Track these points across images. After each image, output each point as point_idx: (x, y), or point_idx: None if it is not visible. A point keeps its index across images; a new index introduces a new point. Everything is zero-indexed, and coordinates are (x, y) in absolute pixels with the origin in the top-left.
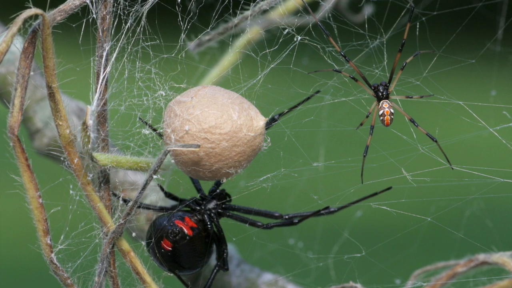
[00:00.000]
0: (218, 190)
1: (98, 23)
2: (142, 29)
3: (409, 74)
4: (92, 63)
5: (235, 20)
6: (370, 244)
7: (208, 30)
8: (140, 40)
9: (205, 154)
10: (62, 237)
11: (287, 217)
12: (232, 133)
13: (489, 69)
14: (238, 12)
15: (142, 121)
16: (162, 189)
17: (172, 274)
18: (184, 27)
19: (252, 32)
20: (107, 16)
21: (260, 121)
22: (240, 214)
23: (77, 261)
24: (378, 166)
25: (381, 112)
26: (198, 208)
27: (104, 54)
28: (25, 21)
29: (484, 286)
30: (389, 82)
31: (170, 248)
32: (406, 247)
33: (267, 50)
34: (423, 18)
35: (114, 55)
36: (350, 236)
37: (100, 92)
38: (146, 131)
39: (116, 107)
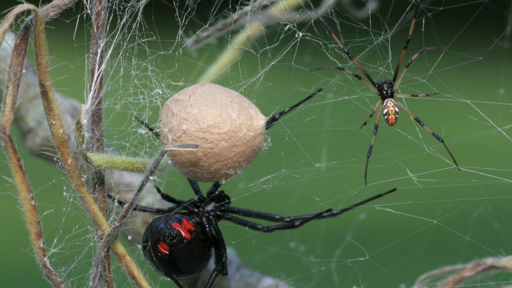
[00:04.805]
0: (216, 192)
1: (92, 19)
2: (138, 25)
3: (415, 71)
4: (86, 60)
5: (234, 16)
6: (374, 248)
7: (207, 26)
8: (136, 37)
9: (203, 155)
10: (55, 240)
11: (288, 219)
12: (231, 133)
13: (497, 67)
14: (238, 7)
15: (138, 120)
16: (159, 190)
17: (169, 279)
18: (181, 23)
19: (252, 28)
20: (102, 12)
21: (260, 120)
22: (239, 216)
23: (71, 265)
24: (383, 167)
25: (385, 111)
26: (196, 210)
27: (99, 51)
28: (17, 17)
29: None
30: (394, 80)
31: (167, 252)
32: (411, 250)
33: (268, 47)
34: (429, 14)
35: (109, 52)
36: (353, 239)
37: (95, 90)
38: (142, 130)
39: (111, 106)
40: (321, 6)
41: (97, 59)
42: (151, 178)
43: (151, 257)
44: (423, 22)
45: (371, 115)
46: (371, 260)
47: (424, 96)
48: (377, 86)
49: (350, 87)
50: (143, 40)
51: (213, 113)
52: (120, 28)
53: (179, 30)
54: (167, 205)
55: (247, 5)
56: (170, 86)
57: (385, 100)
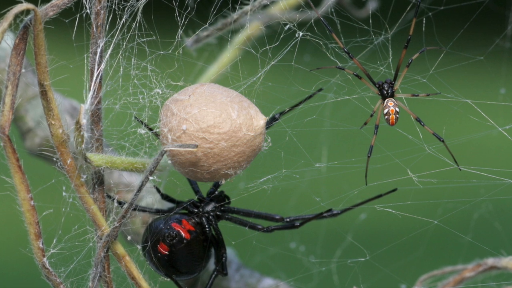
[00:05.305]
0: (216, 192)
1: (92, 19)
2: (137, 24)
3: (415, 71)
4: (85, 60)
5: (234, 15)
6: (374, 248)
7: (207, 25)
8: (136, 36)
9: (203, 155)
10: (54, 240)
11: (288, 220)
12: (231, 133)
13: (498, 66)
14: (238, 7)
15: (137, 120)
16: (158, 191)
17: (169, 279)
18: (181, 22)
19: (252, 27)
20: (101, 11)
21: (260, 120)
22: (239, 216)
23: (70, 265)
24: (383, 167)
25: (386, 111)
26: (196, 210)
27: (98, 50)
28: (16, 16)
29: None
30: (394, 79)
31: (166, 252)
32: (412, 251)
33: (268, 47)
34: (430, 13)
35: (109, 51)
36: (353, 240)
37: (94, 90)
38: (142, 130)
39: (110, 106)
40: (321, 5)
41: (97, 59)
42: (150, 178)
43: (150, 257)
44: (424, 21)
45: (371, 115)
46: (371, 260)
47: (425, 96)
48: (377, 86)
49: (350, 87)
50: (142, 40)
51: (213, 113)
52: (119, 27)
53: (179, 30)
54: (166, 205)
55: (247, 4)
56: (170, 86)
57: (386, 100)
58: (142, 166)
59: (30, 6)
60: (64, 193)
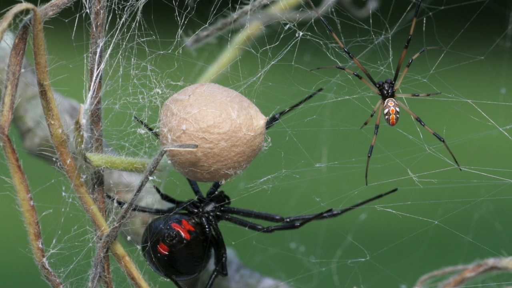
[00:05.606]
0: (216, 192)
1: (91, 18)
2: (137, 24)
3: (416, 71)
4: (85, 60)
5: (234, 15)
6: (374, 248)
7: (206, 25)
8: (136, 36)
9: (203, 155)
10: (54, 241)
11: (288, 220)
12: (231, 133)
13: (498, 66)
14: (238, 6)
15: (137, 120)
16: (158, 191)
17: (168, 280)
18: (181, 22)
19: (252, 27)
20: (101, 11)
21: (260, 120)
22: (239, 217)
23: (70, 266)
24: (383, 167)
25: (386, 110)
26: (195, 210)
27: (98, 50)
28: (16, 16)
29: None
30: (395, 79)
31: (166, 253)
32: (412, 251)
33: (268, 46)
34: (430, 13)
35: (108, 51)
36: (354, 240)
37: (94, 90)
38: (142, 130)
39: (110, 106)
40: (322, 5)
41: (96, 59)
42: (150, 178)
43: (150, 257)
44: (424, 21)
45: (371, 115)
46: (371, 260)
47: (425, 95)
48: (377, 85)
49: (350, 87)
50: (142, 40)
51: (212, 113)
52: (119, 27)
53: (179, 30)
54: (166, 205)
55: (247, 4)
56: (170, 86)
57: (386, 100)
58: (142, 166)
59: (29, 5)
60: (63, 193)
